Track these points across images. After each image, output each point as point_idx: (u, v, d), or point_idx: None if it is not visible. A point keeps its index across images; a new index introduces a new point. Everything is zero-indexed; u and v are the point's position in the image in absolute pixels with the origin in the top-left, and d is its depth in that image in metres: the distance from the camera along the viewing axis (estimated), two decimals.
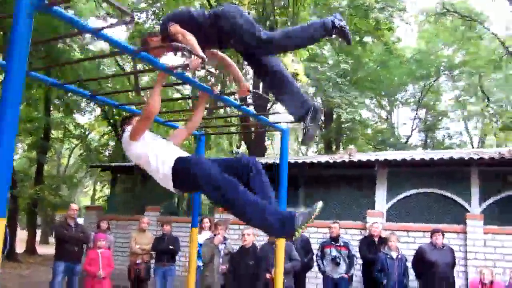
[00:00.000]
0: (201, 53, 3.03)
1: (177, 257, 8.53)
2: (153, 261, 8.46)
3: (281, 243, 4.35)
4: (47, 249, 21.81)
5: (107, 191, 23.50)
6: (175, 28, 3.12)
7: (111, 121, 19.13)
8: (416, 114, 25.65)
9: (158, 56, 3.32)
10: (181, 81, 3.71)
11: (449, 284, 6.93)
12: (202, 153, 4.92)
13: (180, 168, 2.99)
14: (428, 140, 25.89)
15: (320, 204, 2.78)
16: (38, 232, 26.37)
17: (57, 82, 3.82)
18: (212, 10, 3.37)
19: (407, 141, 24.87)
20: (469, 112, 25.02)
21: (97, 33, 2.68)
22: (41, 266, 14.34)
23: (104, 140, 23.27)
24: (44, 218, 27.49)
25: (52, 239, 29.84)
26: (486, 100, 22.34)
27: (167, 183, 3.09)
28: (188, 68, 3.04)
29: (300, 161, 9.34)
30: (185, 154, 3.18)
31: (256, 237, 6.65)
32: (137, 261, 8.21)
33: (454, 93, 25.43)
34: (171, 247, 8.23)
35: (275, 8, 11.52)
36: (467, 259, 7.96)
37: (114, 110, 19.10)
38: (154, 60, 3.10)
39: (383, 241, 7.38)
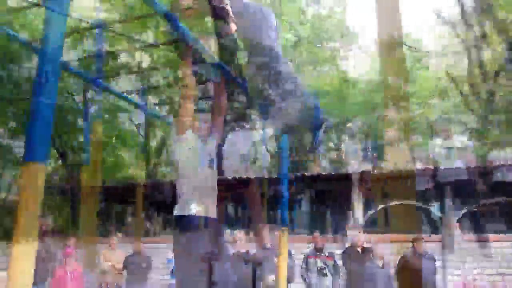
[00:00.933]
0: (235, 20, 2.93)
1: None
2: (123, 281, 7.90)
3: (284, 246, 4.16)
4: None
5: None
6: None
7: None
8: (366, 145, 26.22)
9: (188, 18, 3.20)
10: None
11: None
12: None
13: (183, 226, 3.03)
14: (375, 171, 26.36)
15: None
16: None
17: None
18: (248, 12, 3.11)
19: None
20: (416, 142, 25.86)
21: None
22: None
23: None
24: None
25: None
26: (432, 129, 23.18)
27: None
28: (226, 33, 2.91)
29: (274, 177, 9.19)
30: (203, 209, 3.07)
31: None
32: (107, 280, 7.64)
33: (401, 123, 26.23)
34: (143, 264, 7.76)
35: None
36: (446, 268, 8.00)
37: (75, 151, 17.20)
38: (184, 29, 2.97)
39: (367, 250, 7.28)
